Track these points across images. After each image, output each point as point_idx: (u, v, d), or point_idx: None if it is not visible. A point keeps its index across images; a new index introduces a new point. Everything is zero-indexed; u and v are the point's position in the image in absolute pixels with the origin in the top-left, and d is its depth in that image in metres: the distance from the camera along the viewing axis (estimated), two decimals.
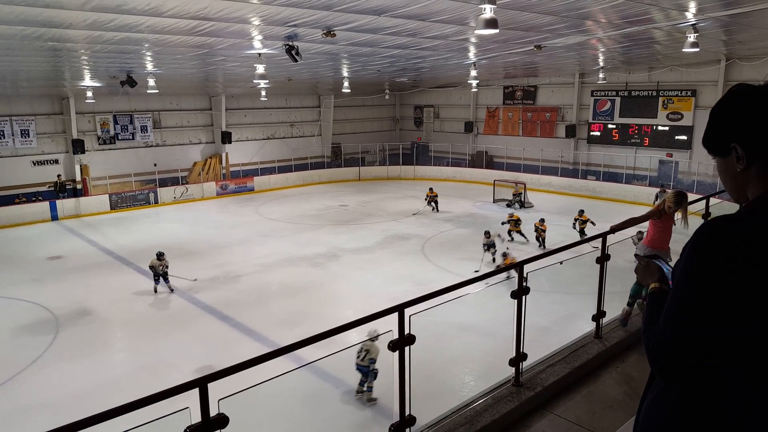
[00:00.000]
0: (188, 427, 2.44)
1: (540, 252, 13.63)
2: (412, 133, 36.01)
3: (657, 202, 16.72)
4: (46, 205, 22.80)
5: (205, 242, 18.65)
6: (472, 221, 21.00)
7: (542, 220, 16.87)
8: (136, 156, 26.46)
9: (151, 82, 18.29)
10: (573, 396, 4.22)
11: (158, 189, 25.94)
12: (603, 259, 4.92)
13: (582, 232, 16.91)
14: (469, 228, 19.88)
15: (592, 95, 26.67)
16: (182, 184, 27.21)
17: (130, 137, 26.45)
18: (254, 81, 17.83)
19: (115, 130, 25.94)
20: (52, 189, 23.71)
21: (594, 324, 5.05)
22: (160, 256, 13.55)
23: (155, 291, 13.59)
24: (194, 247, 18.01)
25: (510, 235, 17.21)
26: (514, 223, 17.31)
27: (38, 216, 22.41)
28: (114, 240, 19.24)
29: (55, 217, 22.79)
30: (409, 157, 33.63)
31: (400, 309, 3.33)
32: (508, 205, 23.45)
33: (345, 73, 21.53)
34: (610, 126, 26.20)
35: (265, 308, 12.42)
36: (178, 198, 26.28)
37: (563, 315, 10.66)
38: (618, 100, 25.79)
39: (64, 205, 23.20)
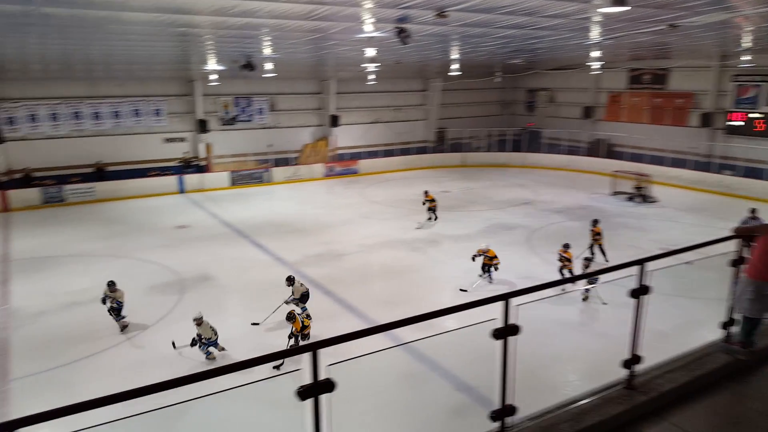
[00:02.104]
0: (301, 387, 2.64)
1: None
2: (522, 119, 34.80)
3: (750, 223, 14.09)
4: (174, 179, 25.19)
5: (313, 221, 19.56)
6: (585, 214, 19.95)
7: (566, 246, 12.95)
8: (253, 137, 28.27)
9: (269, 66, 19.36)
10: (693, 406, 3.93)
11: (272, 169, 27.60)
12: (738, 262, 4.47)
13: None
14: (582, 221, 18.93)
15: (734, 80, 23.97)
16: (293, 164, 28.69)
17: (249, 119, 28.29)
18: (363, 65, 18.20)
19: (235, 111, 27.90)
20: (180, 165, 26.11)
21: (722, 332, 4.63)
22: (111, 286, 10.86)
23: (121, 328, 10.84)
24: (302, 225, 18.98)
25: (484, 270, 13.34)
26: (488, 259, 13.25)
27: (167, 189, 24.84)
28: (233, 214, 20.82)
29: (182, 190, 25.13)
30: (518, 143, 32.57)
31: (505, 298, 3.31)
32: (630, 199, 21.94)
33: (454, 56, 21.25)
34: (753, 115, 23.42)
35: (366, 287, 12.81)
36: (289, 177, 27.78)
37: (685, 321, 9.84)
38: (765, 86, 22.95)
39: (190, 179, 25.50)
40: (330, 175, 29.00)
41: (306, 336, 9.57)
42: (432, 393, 8.49)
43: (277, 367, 6.37)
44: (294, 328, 9.40)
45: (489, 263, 13.12)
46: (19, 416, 2.08)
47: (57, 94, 23.31)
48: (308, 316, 10.22)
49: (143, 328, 10.90)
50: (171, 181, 25.11)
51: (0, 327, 11.01)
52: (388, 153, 31.47)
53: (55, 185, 22.86)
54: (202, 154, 26.86)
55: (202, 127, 26.40)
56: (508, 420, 3.48)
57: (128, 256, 15.57)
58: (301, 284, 11.30)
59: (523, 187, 25.36)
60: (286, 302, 10.90)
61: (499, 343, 3.35)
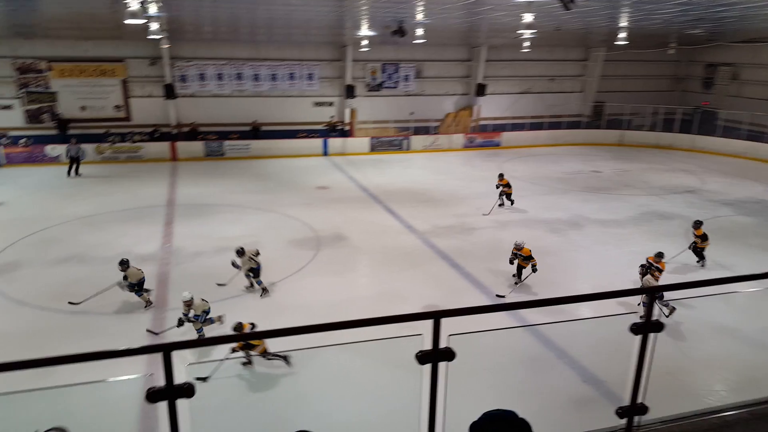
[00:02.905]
0: (420, 351, 2.65)
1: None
2: (696, 97, 31.00)
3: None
4: (319, 141, 26.67)
5: (447, 192, 19.52)
6: (761, 209, 17.41)
7: (660, 256, 10.75)
8: (396, 103, 28.74)
9: (419, 31, 19.34)
10: None
11: (411, 137, 27.92)
12: None
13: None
14: (755, 217, 16.55)
15: None
16: (433, 133, 28.72)
17: (394, 85, 28.75)
18: (518, 31, 17.39)
19: (382, 78, 28.50)
20: (326, 128, 27.51)
21: None
22: (122, 264, 10.35)
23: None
24: (436, 195, 19.04)
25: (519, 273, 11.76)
26: (523, 259, 11.58)
27: (313, 150, 26.40)
28: (370, 179, 21.55)
29: (325, 153, 26.55)
30: (688, 124, 29.13)
31: (650, 292, 3.01)
32: None
33: (623, 23, 19.39)
34: None
35: (494, 264, 12.54)
36: (427, 146, 27.91)
37: None
38: None
39: (334, 143, 26.80)
40: (470, 146, 28.58)
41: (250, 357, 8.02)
42: (556, 380, 8.14)
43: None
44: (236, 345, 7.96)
45: (524, 264, 11.40)
46: (172, 341, 2.34)
47: (223, 55, 25.69)
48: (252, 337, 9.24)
49: (282, 278, 11.83)
50: (317, 143, 26.61)
51: (163, 262, 12.70)
52: (536, 126, 30.10)
53: (216, 140, 25.48)
54: (347, 119, 27.99)
55: (350, 92, 27.42)
56: (637, 419, 3.22)
57: (274, 211, 16.93)
58: (251, 258, 11.00)
59: (689, 173, 22.74)
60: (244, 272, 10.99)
61: (637, 338, 3.08)
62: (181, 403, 2.41)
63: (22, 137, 23.37)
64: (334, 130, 27.62)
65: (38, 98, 24.10)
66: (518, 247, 11.39)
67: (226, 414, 6.78)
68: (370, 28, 20.28)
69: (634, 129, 30.05)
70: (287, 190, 19.66)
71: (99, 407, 7.01)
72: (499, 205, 17.17)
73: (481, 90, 29.02)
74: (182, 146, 24.95)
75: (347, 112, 27.95)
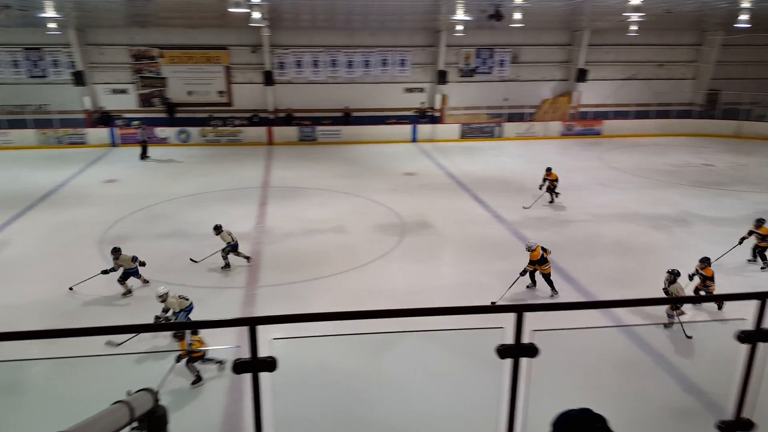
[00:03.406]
0: (501, 345, 2.56)
1: None
2: None
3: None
4: (408, 128, 26.68)
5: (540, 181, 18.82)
6: None
7: (705, 262, 9.74)
8: (489, 89, 28.05)
9: (517, 15, 18.69)
10: None
11: (504, 123, 27.16)
12: None
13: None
14: None
15: None
16: (527, 120, 27.75)
17: (488, 71, 28.06)
18: (625, 14, 16.31)
19: (475, 63, 27.91)
20: (416, 114, 27.46)
21: None
22: (115, 252, 10.50)
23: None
24: (528, 185, 18.39)
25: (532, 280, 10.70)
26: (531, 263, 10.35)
27: (401, 136, 26.47)
28: (459, 166, 21.27)
29: (414, 139, 26.53)
30: None
31: (763, 297, 2.68)
32: None
33: (745, 4, 17.54)
34: None
35: (591, 260, 11.94)
36: (521, 134, 27.03)
37: None
38: None
39: (423, 129, 26.70)
40: (567, 134, 27.33)
41: (195, 359, 7.59)
42: (652, 387, 7.62)
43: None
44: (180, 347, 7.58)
45: (533, 268, 10.28)
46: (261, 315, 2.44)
47: (319, 42, 26.33)
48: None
49: (366, 262, 12.02)
50: (406, 129, 26.65)
51: (256, 241, 13.34)
52: (641, 115, 28.18)
53: (309, 125, 26.28)
54: (437, 105, 27.74)
55: (441, 78, 27.13)
56: None
57: (361, 195, 17.21)
58: (228, 233, 11.64)
59: None
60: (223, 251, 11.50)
61: (745, 347, 2.78)
62: (264, 376, 2.50)
63: (135, 119, 25.45)
64: (424, 116, 27.50)
65: (150, 83, 26.11)
66: (529, 248, 10.29)
67: (307, 390, 7.03)
68: (466, 12, 19.88)
69: (755, 120, 27.24)
70: (375, 176, 19.90)
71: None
72: (549, 201, 16.23)
73: (582, 75, 27.57)
74: (278, 131, 26.00)
75: (438, 98, 27.70)
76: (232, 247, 11.68)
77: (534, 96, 28.46)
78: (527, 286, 10.59)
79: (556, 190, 16.30)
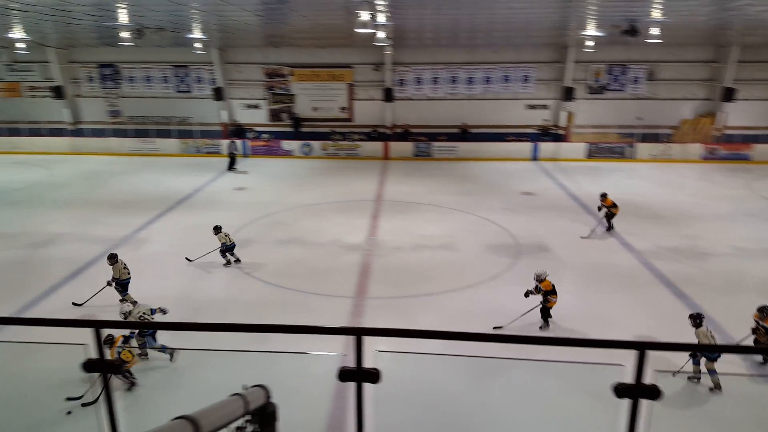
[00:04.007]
0: (619, 384, 2.37)
1: None
2: None
3: None
4: (529, 145, 25.95)
5: (675, 208, 17.34)
6: None
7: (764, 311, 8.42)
8: (620, 108, 26.47)
9: (654, 31, 17.48)
10: None
11: (636, 144, 25.46)
12: None
13: None
14: None
15: None
16: (663, 141, 25.75)
17: (620, 88, 26.52)
18: None
19: (606, 80, 26.53)
20: (538, 132, 26.65)
21: None
22: (111, 259, 10.72)
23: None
24: (662, 212, 17.06)
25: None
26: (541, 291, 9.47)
27: (521, 154, 25.80)
28: (583, 187, 20.26)
29: (534, 158, 25.74)
30: None
31: None
32: None
33: None
34: None
35: (734, 300, 10.71)
36: (655, 156, 25.16)
37: None
38: None
39: (545, 147, 25.83)
40: (710, 158, 24.94)
41: (126, 371, 7.48)
42: None
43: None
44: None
45: (542, 296, 9.62)
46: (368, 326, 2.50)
47: (440, 59, 26.61)
48: (137, 350, 8.08)
49: (476, 282, 11.80)
50: (526, 147, 25.95)
51: (366, 253, 13.66)
52: None
53: (425, 141, 26.55)
54: (562, 122, 26.70)
55: (568, 95, 26.12)
56: None
57: (474, 213, 16.99)
58: (225, 235, 12.64)
59: None
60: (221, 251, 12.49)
61: None
62: (368, 388, 2.55)
63: (264, 132, 27.40)
64: (547, 134, 26.59)
65: (280, 99, 28.03)
66: (539, 278, 9.73)
67: (409, 408, 7.02)
68: (598, 28, 18.99)
69: None
70: (490, 194, 19.56)
71: (301, 378, 7.87)
72: (606, 229, 15.02)
73: (728, 95, 25.04)
74: (394, 146, 26.59)
75: (563, 115, 26.66)
76: (228, 248, 12.66)
77: (671, 116, 26.34)
78: (540, 327, 9.73)
79: (614, 219, 15.05)
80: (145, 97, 28.36)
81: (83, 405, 5.86)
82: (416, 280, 11.95)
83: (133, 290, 10.98)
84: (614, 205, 14.96)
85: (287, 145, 26.85)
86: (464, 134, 26.92)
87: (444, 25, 19.76)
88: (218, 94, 27.39)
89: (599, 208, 15.21)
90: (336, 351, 7.35)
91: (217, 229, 12.77)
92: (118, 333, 7.49)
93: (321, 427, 6.99)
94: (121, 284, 10.60)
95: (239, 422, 2.09)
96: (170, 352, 8.10)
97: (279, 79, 27.72)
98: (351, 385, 2.59)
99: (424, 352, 6.20)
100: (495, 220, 16.16)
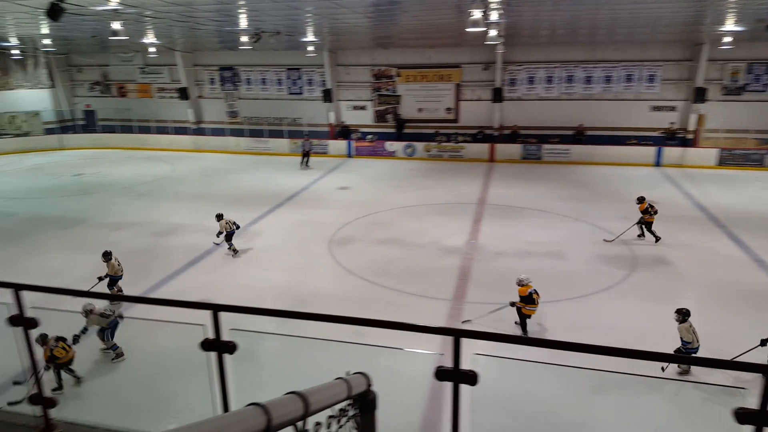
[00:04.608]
0: (741, 408, 2.21)
1: None
2: None
3: None
4: (652, 150, 24.33)
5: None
6: None
7: None
8: (761, 111, 24.02)
9: None
10: None
11: None
12: None
13: None
14: None
15: None
16: None
17: (762, 89, 24.07)
18: None
19: (745, 80, 24.19)
20: (663, 135, 24.89)
21: None
22: (105, 256, 11.02)
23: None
24: None
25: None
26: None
27: (642, 159, 24.27)
28: (712, 197, 18.67)
29: (657, 163, 24.11)
30: None
31: None
32: None
33: None
34: None
35: None
36: None
37: None
38: None
39: (670, 153, 24.10)
40: None
41: (60, 366, 7.73)
42: None
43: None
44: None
45: (520, 305, 9.70)
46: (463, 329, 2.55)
47: (556, 58, 25.73)
48: (76, 341, 8.15)
49: (586, 294, 11.30)
50: (648, 152, 24.38)
51: (467, 256, 13.56)
52: None
53: (535, 143, 25.79)
54: (691, 126, 24.74)
55: (699, 96, 24.13)
56: None
57: (585, 221, 16.25)
58: (227, 222, 13.57)
59: None
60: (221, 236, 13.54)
61: None
62: (465, 390, 2.58)
63: (369, 133, 28.10)
64: (673, 137, 24.77)
65: (386, 100, 28.61)
66: (519, 283, 9.75)
67: (506, 415, 6.90)
68: (738, 22, 17.38)
69: None
70: (605, 200, 18.60)
71: (396, 374, 8.01)
72: (638, 236, 14.43)
73: None
74: (501, 148, 26.12)
75: (692, 118, 24.68)
76: (228, 235, 13.57)
77: None
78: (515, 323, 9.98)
79: (648, 227, 14.37)
80: (260, 99, 30.27)
81: (9, 404, 5.14)
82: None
83: (245, 279, 11.82)
84: (647, 211, 14.25)
85: (390, 146, 27.34)
86: (579, 136, 25.82)
87: (562, 22, 19.06)
88: (327, 96, 28.52)
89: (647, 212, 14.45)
90: (430, 352, 7.42)
91: (219, 217, 13.73)
92: (52, 333, 7.74)
93: (415, 423, 7.08)
94: (113, 280, 11.06)
95: (342, 405, 2.23)
96: (118, 353, 8.60)
97: (386, 80, 28.31)
98: (446, 386, 2.64)
99: (524, 359, 6.05)
100: (609, 229, 15.35)
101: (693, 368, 7.91)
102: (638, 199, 14.66)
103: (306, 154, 25.61)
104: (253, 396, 1.85)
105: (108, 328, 8.68)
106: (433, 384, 7.29)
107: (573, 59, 25.60)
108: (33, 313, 3.32)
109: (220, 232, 13.68)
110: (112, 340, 8.68)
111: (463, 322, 10.04)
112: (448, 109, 27.94)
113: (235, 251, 13.69)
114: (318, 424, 1.98)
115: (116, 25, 13.17)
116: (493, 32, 16.97)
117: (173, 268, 12.95)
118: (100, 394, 7.58)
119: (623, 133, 25.45)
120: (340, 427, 2.23)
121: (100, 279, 10.91)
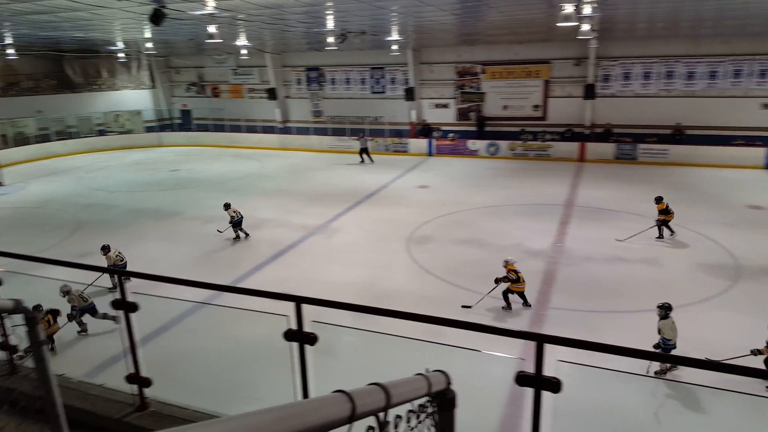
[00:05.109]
0: None
1: None
2: None
3: None
4: (762, 151, 22.42)
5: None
6: None
7: None
8: None
9: None
10: None
11: None
12: None
13: None
14: None
15: None
16: None
17: None
18: None
19: None
20: None
21: None
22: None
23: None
24: None
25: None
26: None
27: (751, 161, 22.43)
28: None
29: (767, 165, 22.16)
30: None
31: None
32: None
33: None
34: None
35: None
36: None
37: None
38: None
39: None
40: None
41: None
42: None
43: None
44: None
45: (511, 285, 10.53)
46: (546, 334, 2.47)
47: (654, 52, 24.31)
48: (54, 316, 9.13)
49: (682, 304, 10.60)
50: (757, 153, 22.51)
51: (551, 260, 13.13)
52: None
53: (630, 143, 24.50)
54: None
55: None
56: None
57: (685, 227, 15.22)
58: (234, 211, 14.81)
59: None
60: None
61: None
62: (546, 397, 2.50)
63: (450, 132, 27.89)
64: None
65: (469, 98, 28.28)
66: (505, 263, 10.78)
67: (589, 426, 6.61)
68: None
69: None
70: (707, 205, 17.37)
71: (474, 376, 7.90)
72: (657, 237, 14.13)
73: None
74: (591, 147, 25.05)
75: None
76: (236, 222, 14.76)
77: None
78: (502, 308, 10.54)
79: (666, 227, 14.19)
80: (343, 98, 30.90)
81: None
82: (607, 294, 11.16)
83: (324, 274, 12.12)
84: (666, 211, 14.13)
85: (473, 144, 26.99)
86: (678, 136, 24.25)
87: (662, 15, 17.97)
88: (409, 94, 28.62)
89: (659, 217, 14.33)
90: (511, 355, 7.25)
91: (227, 206, 14.97)
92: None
93: (493, 427, 6.96)
94: (116, 271, 11.60)
95: (421, 401, 2.23)
96: (112, 317, 9.40)
97: (470, 77, 27.98)
98: (526, 392, 2.56)
99: (612, 368, 5.77)
100: (711, 236, 14.32)
101: None
102: (656, 198, 14.49)
103: (363, 151, 26.19)
104: (331, 387, 1.89)
105: (85, 309, 9.65)
106: (512, 389, 7.13)
107: (673, 54, 24.05)
108: (133, 298, 3.59)
109: (231, 220, 14.87)
110: (80, 318, 9.69)
111: (462, 306, 10.60)
112: (536, 107, 27.17)
113: (246, 234, 15.10)
114: (398, 417, 2.00)
115: (212, 29, 13.91)
116: (585, 27, 16.28)
117: (258, 260, 13.53)
118: (187, 377, 8.05)
119: (728, 133, 23.60)
120: (420, 422, 2.23)
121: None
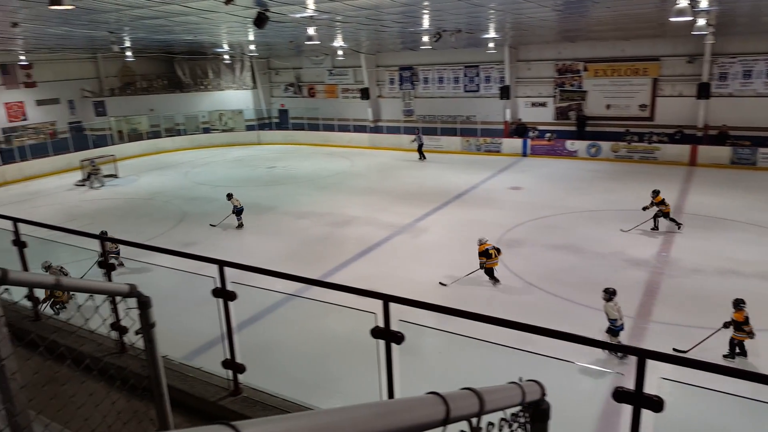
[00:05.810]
0: None
1: None
2: None
3: None
4: None
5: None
6: None
7: None
8: None
9: None
10: None
11: None
12: None
13: None
14: None
15: None
16: None
17: None
18: None
19: None
20: None
21: None
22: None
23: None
24: None
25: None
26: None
27: None
28: None
29: None
30: None
31: None
32: None
33: None
34: None
35: None
36: None
37: None
38: None
39: None
40: None
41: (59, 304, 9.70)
42: None
43: None
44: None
45: (482, 261, 11.67)
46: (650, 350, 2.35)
47: None
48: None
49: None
50: None
51: (656, 271, 12.33)
52: None
53: (748, 146, 22.49)
54: None
55: None
56: None
57: None
58: (237, 200, 16.16)
59: None
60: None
61: None
62: (646, 416, 2.35)
63: (547, 131, 26.98)
64: None
65: (569, 96, 27.20)
66: (479, 241, 11.84)
67: None
68: None
69: None
70: None
71: (567, 389, 7.60)
72: (652, 228, 14.72)
73: None
74: (704, 150, 23.27)
75: None
76: (238, 211, 16.10)
77: None
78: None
79: (666, 217, 14.81)
80: (435, 97, 30.84)
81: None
82: (717, 309, 10.26)
83: (410, 273, 12.18)
84: (663, 203, 14.80)
85: (571, 145, 25.95)
86: None
87: None
88: (504, 93, 28.03)
89: (644, 208, 15.05)
90: (606, 367, 6.90)
91: (230, 196, 16.41)
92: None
93: None
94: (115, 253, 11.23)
95: (514, 410, 2.17)
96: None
97: (570, 75, 26.93)
98: (622, 409, 2.42)
99: (723, 391, 5.32)
100: None
101: None
102: (653, 192, 15.01)
103: (419, 148, 26.81)
104: (415, 387, 1.88)
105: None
106: (608, 404, 6.78)
107: None
108: (232, 287, 3.78)
109: (235, 209, 16.17)
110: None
111: (440, 283, 11.38)
112: (642, 106, 25.63)
113: (241, 225, 16.35)
114: (491, 424, 1.96)
115: (311, 30, 14.38)
116: (701, 21, 15.14)
117: (345, 257, 13.82)
118: (276, 365, 8.39)
119: None
120: (512, 431, 2.17)
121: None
